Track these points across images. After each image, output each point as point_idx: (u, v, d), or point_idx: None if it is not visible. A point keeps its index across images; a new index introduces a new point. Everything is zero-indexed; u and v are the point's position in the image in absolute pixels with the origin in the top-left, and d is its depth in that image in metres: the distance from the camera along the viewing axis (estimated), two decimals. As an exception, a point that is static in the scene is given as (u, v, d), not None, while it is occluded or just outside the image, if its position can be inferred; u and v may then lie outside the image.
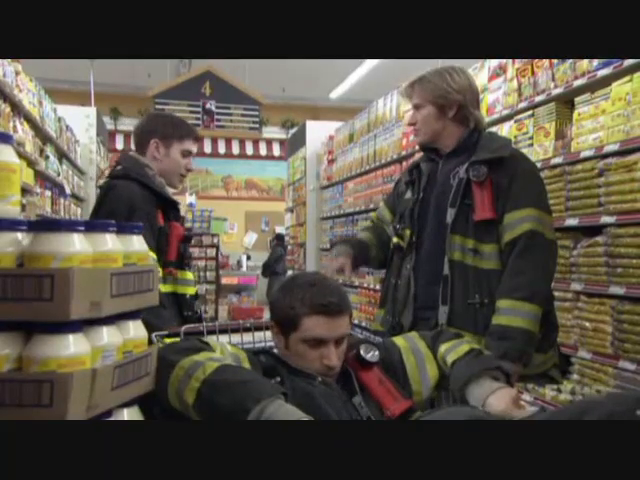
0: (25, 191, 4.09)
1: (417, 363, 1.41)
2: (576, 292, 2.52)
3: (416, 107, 1.87)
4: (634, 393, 0.91)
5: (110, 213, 1.79)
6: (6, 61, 3.72)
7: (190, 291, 1.99)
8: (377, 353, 1.38)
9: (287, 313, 1.33)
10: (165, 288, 1.90)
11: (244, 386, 1.10)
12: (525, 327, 1.65)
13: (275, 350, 1.41)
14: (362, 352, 1.37)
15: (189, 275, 1.99)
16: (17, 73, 3.98)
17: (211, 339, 1.36)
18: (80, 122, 6.53)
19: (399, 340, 1.47)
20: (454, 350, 1.38)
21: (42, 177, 4.74)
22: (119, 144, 10.26)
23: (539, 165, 2.71)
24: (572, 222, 2.50)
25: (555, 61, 2.65)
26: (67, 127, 5.85)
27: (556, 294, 2.62)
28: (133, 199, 1.87)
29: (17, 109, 4.02)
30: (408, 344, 1.44)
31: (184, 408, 1.15)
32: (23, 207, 3.93)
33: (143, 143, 2.01)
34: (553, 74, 2.67)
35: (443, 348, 1.41)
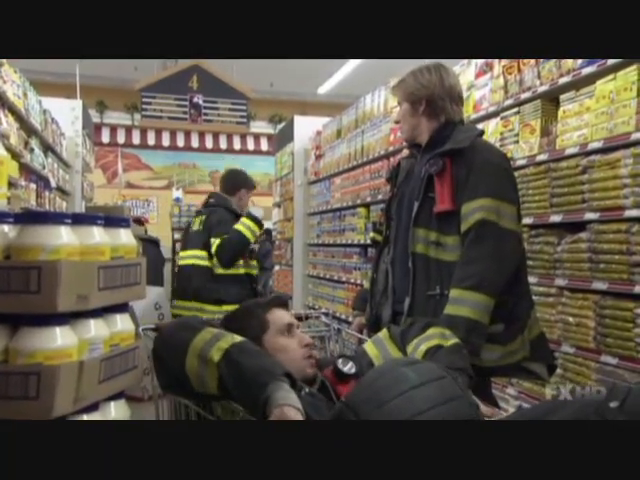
0: (10, 184, 4.05)
1: None
2: (560, 287, 2.55)
3: (399, 105, 1.99)
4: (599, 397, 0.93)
5: (216, 223, 3.37)
6: (-10, 52, 3.67)
7: (254, 272, 3.46)
8: (354, 366, 1.40)
9: (252, 324, 1.41)
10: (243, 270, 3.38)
11: (263, 357, 1.19)
12: (469, 316, 1.65)
13: None
14: (340, 365, 1.39)
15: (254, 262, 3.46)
16: (0, 64, 3.93)
17: None
18: (66, 115, 6.46)
19: (370, 348, 1.48)
20: (415, 352, 1.38)
21: (27, 170, 4.69)
22: (105, 137, 10.17)
23: (524, 162, 2.74)
24: (556, 219, 2.53)
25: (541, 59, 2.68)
26: (52, 120, 5.78)
27: (540, 289, 2.66)
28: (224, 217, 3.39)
29: (1, 101, 3.97)
30: (379, 352, 1.46)
31: (204, 367, 1.16)
32: (8, 200, 3.89)
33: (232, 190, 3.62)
34: (539, 72, 2.69)
35: (410, 349, 1.41)
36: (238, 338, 1.22)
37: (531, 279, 2.70)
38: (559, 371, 2.52)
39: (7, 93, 4.01)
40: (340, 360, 1.41)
